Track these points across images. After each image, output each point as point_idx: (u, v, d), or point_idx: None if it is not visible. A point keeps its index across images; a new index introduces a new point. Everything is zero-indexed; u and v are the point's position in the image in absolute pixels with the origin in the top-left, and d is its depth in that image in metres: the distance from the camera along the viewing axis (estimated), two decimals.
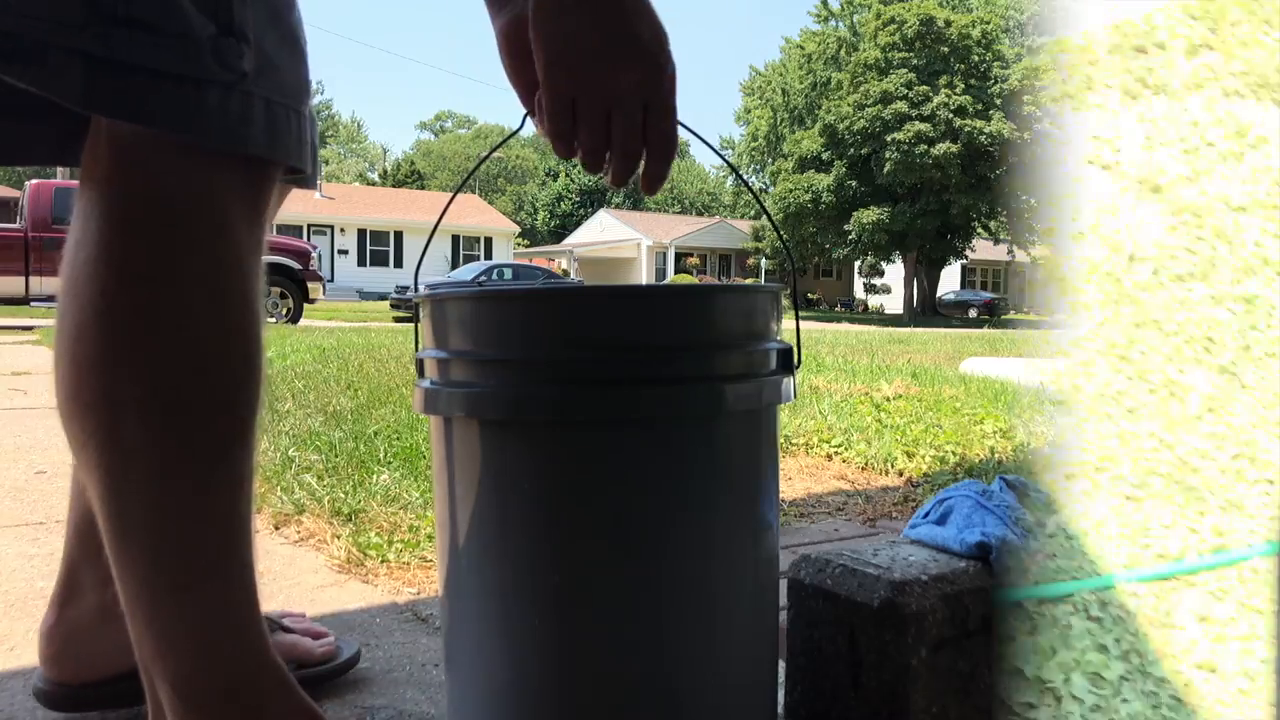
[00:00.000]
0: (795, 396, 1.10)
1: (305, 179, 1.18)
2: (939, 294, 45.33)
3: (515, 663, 1.00)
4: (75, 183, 0.96)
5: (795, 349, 1.08)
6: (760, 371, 1.02)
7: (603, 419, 0.95)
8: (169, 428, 0.90)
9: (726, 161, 1.10)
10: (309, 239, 32.77)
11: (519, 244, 53.95)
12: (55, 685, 1.24)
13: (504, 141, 1.14)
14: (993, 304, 44.91)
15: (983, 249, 48.12)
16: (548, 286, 0.97)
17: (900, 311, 42.07)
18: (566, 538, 0.97)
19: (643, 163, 0.99)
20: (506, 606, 0.99)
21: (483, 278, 25.38)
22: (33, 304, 14.02)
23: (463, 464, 1.01)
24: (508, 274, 26.47)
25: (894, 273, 47.19)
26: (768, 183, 50.01)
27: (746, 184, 1.16)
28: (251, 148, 0.91)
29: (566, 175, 68.70)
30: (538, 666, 0.99)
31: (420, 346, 1.07)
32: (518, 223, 56.45)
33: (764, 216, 43.52)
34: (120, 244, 0.88)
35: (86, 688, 1.24)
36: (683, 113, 1.00)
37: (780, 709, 1.25)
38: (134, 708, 1.25)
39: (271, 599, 1.86)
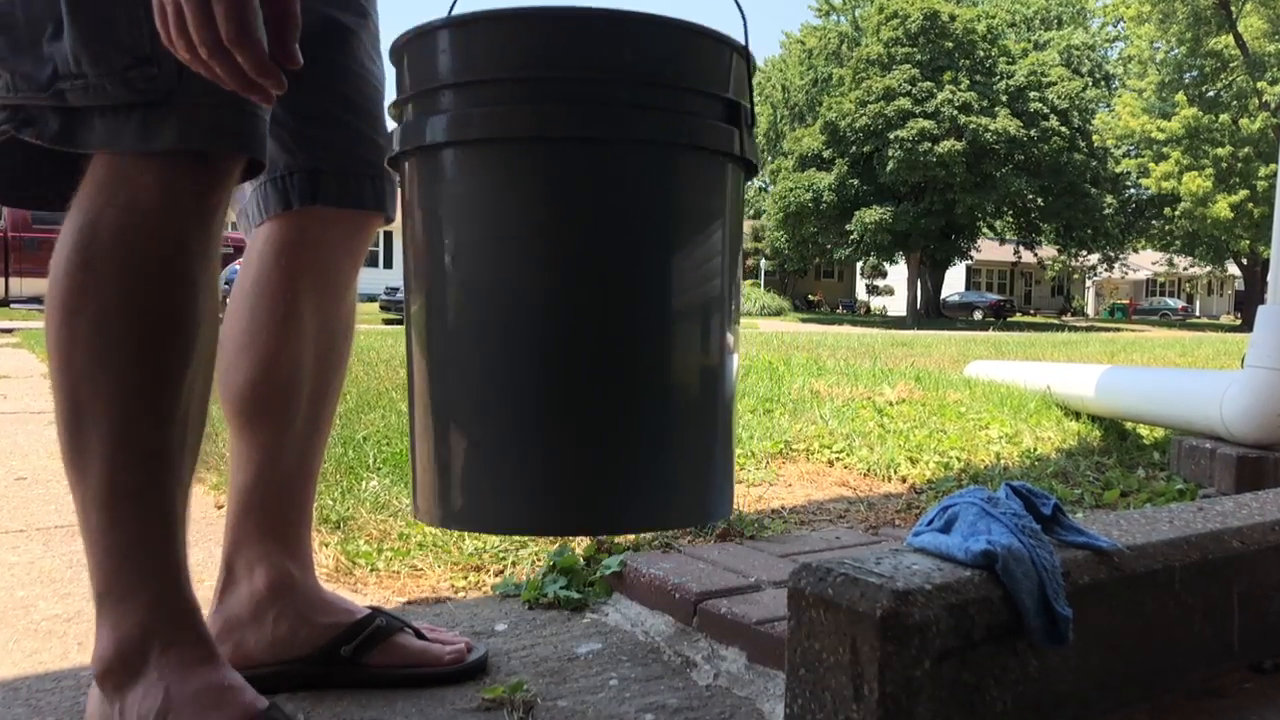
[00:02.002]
0: (758, 164, 1.16)
1: (382, 211, 1.51)
2: (943, 295, 45.38)
3: (458, 386, 1.06)
4: None
5: (749, 108, 1.12)
6: (704, 113, 1.06)
7: (536, 137, 1.00)
8: (104, 361, 1.14)
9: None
10: None
11: None
12: None
13: None
14: (999, 305, 44.95)
15: (988, 249, 48.21)
16: (479, 13, 1.03)
17: (903, 313, 42.07)
18: (503, 259, 1.02)
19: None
20: (457, 334, 1.06)
21: None
22: (13, 305, 13.99)
23: (416, 198, 1.08)
24: None
25: (897, 274, 47.27)
26: (767, 181, 50.03)
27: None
28: (192, 144, 1.15)
29: None
30: (480, 390, 1.05)
31: None
32: None
33: (761, 216, 43.47)
34: (78, 221, 1.17)
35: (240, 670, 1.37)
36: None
37: None
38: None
39: None
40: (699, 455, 1.11)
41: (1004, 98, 36.80)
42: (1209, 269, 51.39)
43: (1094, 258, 46.90)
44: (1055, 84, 37.89)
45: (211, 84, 1.08)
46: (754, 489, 2.93)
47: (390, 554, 2.17)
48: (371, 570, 2.09)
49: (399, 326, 16.76)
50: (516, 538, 2.26)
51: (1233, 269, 50.57)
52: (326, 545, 2.21)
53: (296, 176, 1.45)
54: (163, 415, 1.15)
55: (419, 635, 1.57)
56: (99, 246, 1.15)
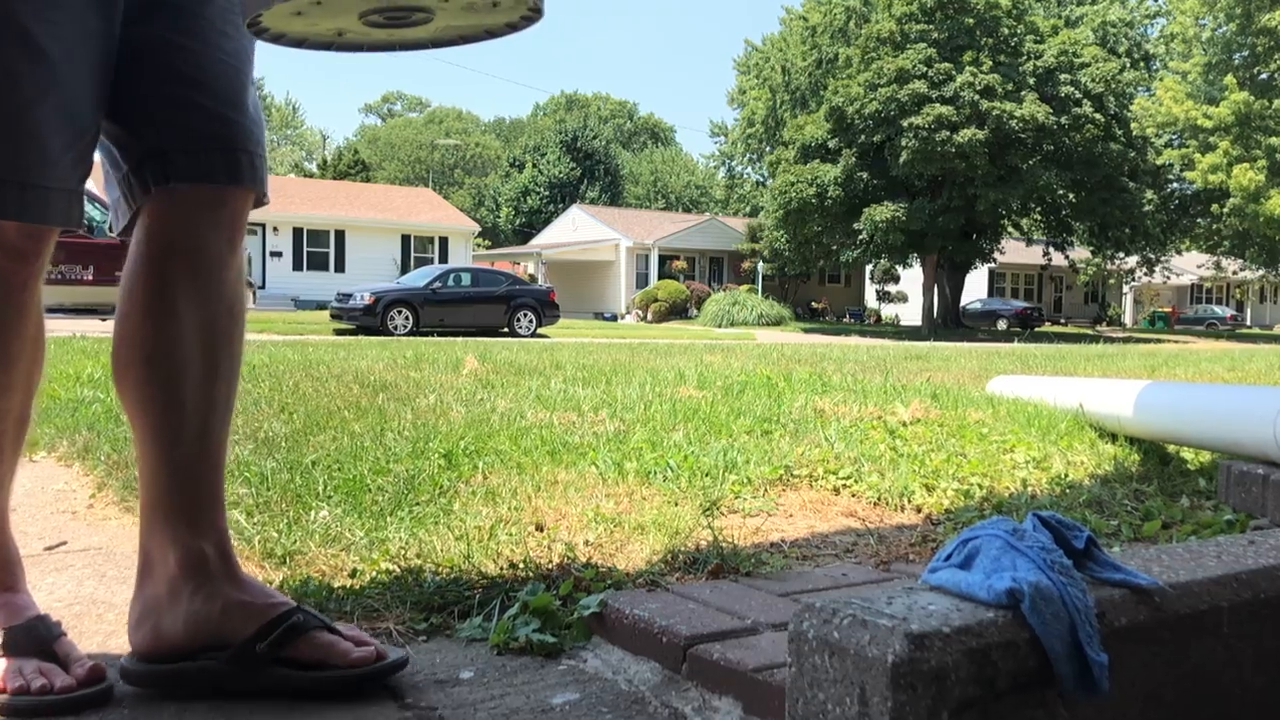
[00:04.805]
0: None
1: (239, 183, 1.76)
2: (963, 303, 45.50)
3: None
4: None
5: None
6: None
7: None
8: None
9: None
10: None
11: (479, 245, 53.87)
12: (135, 660, 1.69)
13: None
14: (1025, 314, 45.07)
15: (1013, 251, 48.36)
16: None
17: (918, 323, 42.22)
18: None
19: None
20: None
21: (437, 284, 25.27)
22: None
23: None
24: (466, 279, 26.36)
25: (911, 278, 47.33)
26: (765, 175, 50.11)
27: None
28: None
29: (534, 166, 68.66)
30: None
31: None
32: (477, 220, 56.38)
33: (759, 214, 43.46)
34: None
35: (159, 664, 1.67)
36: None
37: None
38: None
39: None
40: None
41: (1031, 81, 36.94)
42: (1261, 273, 51.62)
43: (1132, 260, 47.01)
44: (1089, 65, 38.06)
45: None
46: (750, 520, 2.93)
47: (343, 592, 2.16)
48: (322, 611, 2.08)
49: (351, 338, 16.77)
50: (484, 573, 2.26)
51: None
52: (271, 582, 2.20)
53: (147, 163, 1.70)
54: None
55: (332, 631, 1.73)
56: None
